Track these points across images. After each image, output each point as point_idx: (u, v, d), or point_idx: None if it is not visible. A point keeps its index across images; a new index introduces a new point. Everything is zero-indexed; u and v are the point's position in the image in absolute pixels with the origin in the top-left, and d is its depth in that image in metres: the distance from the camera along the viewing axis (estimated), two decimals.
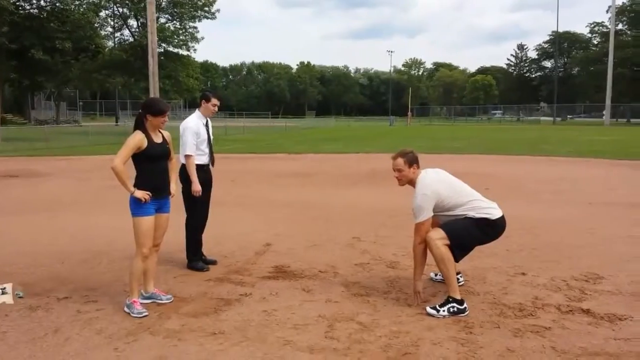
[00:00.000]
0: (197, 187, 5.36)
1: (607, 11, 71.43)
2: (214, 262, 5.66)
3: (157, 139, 4.35)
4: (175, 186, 4.62)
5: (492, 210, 4.42)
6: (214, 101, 5.56)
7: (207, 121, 5.62)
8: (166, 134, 4.49)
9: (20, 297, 4.60)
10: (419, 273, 4.47)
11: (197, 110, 5.63)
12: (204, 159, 5.53)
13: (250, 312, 4.28)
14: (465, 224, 4.36)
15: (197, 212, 5.56)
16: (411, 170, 4.48)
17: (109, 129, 40.46)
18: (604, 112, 60.51)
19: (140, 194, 4.17)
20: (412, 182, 4.50)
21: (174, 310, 4.31)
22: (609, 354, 3.51)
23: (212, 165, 5.72)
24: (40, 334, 3.84)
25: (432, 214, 4.35)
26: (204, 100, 5.56)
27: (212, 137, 5.69)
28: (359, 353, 3.54)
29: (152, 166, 4.29)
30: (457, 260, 4.47)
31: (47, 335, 3.82)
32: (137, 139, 4.20)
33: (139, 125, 4.29)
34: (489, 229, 4.42)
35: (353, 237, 6.82)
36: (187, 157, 5.37)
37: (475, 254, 5.76)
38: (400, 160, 4.49)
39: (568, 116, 76.91)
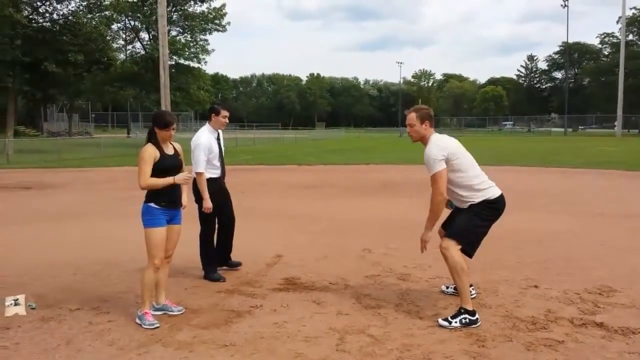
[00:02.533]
0: (208, 204, 5.39)
1: (617, 22, 71.17)
2: (238, 264, 5.89)
3: (169, 151, 4.39)
4: (187, 198, 4.63)
5: (492, 190, 4.48)
6: (224, 113, 5.55)
7: (218, 134, 5.63)
8: (177, 145, 4.52)
9: (32, 309, 4.63)
10: (432, 224, 4.41)
11: (207, 124, 5.61)
12: (216, 173, 5.57)
13: (261, 324, 4.27)
14: (468, 222, 4.37)
15: (211, 225, 5.61)
16: (423, 126, 4.48)
17: (121, 141, 40.77)
18: (615, 123, 60.11)
19: (183, 177, 4.29)
20: (424, 139, 4.51)
21: (185, 322, 4.32)
22: None
23: (223, 178, 5.73)
24: (52, 345, 3.86)
25: (446, 165, 4.34)
26: (213, 114, 5.54)
27: (223, 150, 5.72)
28: None
29: (164, 178, 4.29)
30: (471, 255, 4.45)
31: (60, 347, 3.84)
32: (150, 151, 4.24)
33: (151, 138, 4.34)
34: (491, 212, 4.42)
35: (364, 249, 6.80)
36: (198, 174, 5.38)
37: (487, 266, 5.76)
38: (413, 115, 4.52)
39: (579, 127, 76.49)
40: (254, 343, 3.90)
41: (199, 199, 5.47)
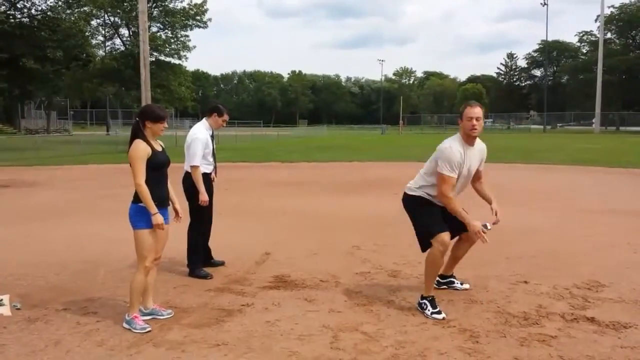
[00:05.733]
0: (204, 197, 5.42)
1: (595, 20, 72.33)
2: (222, 263, 5.81)
3: (157, 147, 4.21)
4: (179, 206, 4.47)
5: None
6: (225, 117, 5.68)
7: (212, 132, 5.69)
8: (161, 142, 4.37)
9: (17, 309, 4.52)
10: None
11: (204, 120, 5.67)
12: (209, 168, 5.62)
13: (253, 323, 4.22)
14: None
15: (203, 220, 5.61)
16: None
17: (100, 138, 40.22)
18: (593, 120, 60.98)
19: (161, 219, 4.03)
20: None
21: (176, 322, 4.24)
22: None
23: (215, 175, 5.79)
24: (40, 347, 3.76)
25: None
26: (215, 114, 5.62)
27: (215, 147, 5.76)
28: None
29: (155, 175, 4.11)
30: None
31: (48, 348, 3.75)
32: (143, 148, 4.04)
33: (137, 134, 4.12)
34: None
35: (352, 246, 6.78)
36: (194, 168, 5.41)
37: (476, 262, 5.77)
38: (480, 110, 4.44)
39: (558, 124, 77.40)
40: (246, 342, 3.84)
41: (191, 194, 5.48)
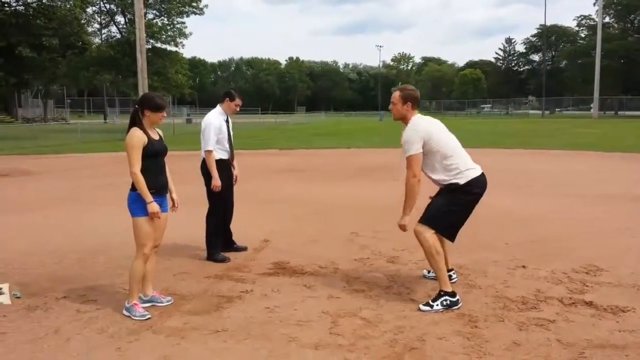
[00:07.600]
0: (217, 182, 5.51)
1: (594, 4, 71.96)
2: (244, 248, 5.95)
3: (155, 136, 4.20)
4: (176, 195, 4.44)
5: (470, 172, 4.34)
6: (238, 101, 5.72)
7: (227, 117, 5.73)
8: (159, 131, 4.36)
9: (17, 297, 4.53)
10: (408, 207, 4.37)
11: (218, 106, 5.75)
12: (225, 155, 5.67)
13: (253, 309, 4.23)
14: (442, 206, 4.33)
15: (220, 205, 5.69)
16: (404, 107, 4.45)
17: (98, 127, 40.15)
18: (592, 105, 60.81)
19: (156, 208, 4.04)
20: (404, 119, 4.50)
21: (176, 308, 4.26)
22: (615, 346, 3.51)
23: (232, 160, 5.83)
24: (40, 335, 3.78)
25: (422, 150, 4.29)
26: (228, 99, 5.68)
27: (231, 133, 5.80)
28: (364, 349, 3.51)
29: (153, 163, 4.10)
30: (452, 239, 4.44)
31: (48, 336, 3.76)
32: (139, 136, 4.02)
33: (135, 122, 4.11)
34: (466, 196, 4.31)
35: (351, 232, 6.79)
36: (208, 152, 5.50)
37: (474, 248, 5.79)
38: (397, 94, 4.51)
39: (556, 109, 77.24)
40: (246, 328, 3.86)
41: (208, 179, 5.57)
